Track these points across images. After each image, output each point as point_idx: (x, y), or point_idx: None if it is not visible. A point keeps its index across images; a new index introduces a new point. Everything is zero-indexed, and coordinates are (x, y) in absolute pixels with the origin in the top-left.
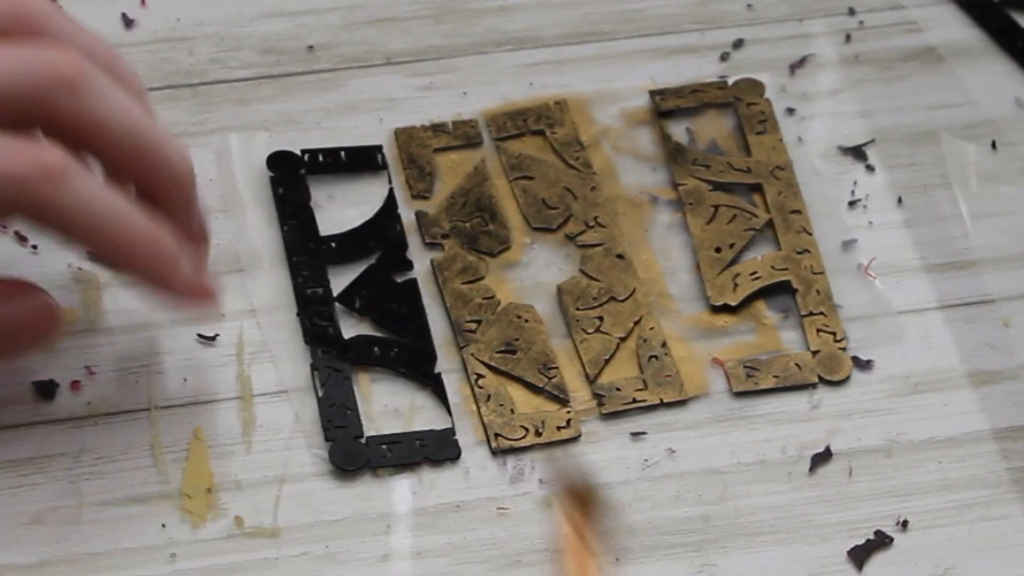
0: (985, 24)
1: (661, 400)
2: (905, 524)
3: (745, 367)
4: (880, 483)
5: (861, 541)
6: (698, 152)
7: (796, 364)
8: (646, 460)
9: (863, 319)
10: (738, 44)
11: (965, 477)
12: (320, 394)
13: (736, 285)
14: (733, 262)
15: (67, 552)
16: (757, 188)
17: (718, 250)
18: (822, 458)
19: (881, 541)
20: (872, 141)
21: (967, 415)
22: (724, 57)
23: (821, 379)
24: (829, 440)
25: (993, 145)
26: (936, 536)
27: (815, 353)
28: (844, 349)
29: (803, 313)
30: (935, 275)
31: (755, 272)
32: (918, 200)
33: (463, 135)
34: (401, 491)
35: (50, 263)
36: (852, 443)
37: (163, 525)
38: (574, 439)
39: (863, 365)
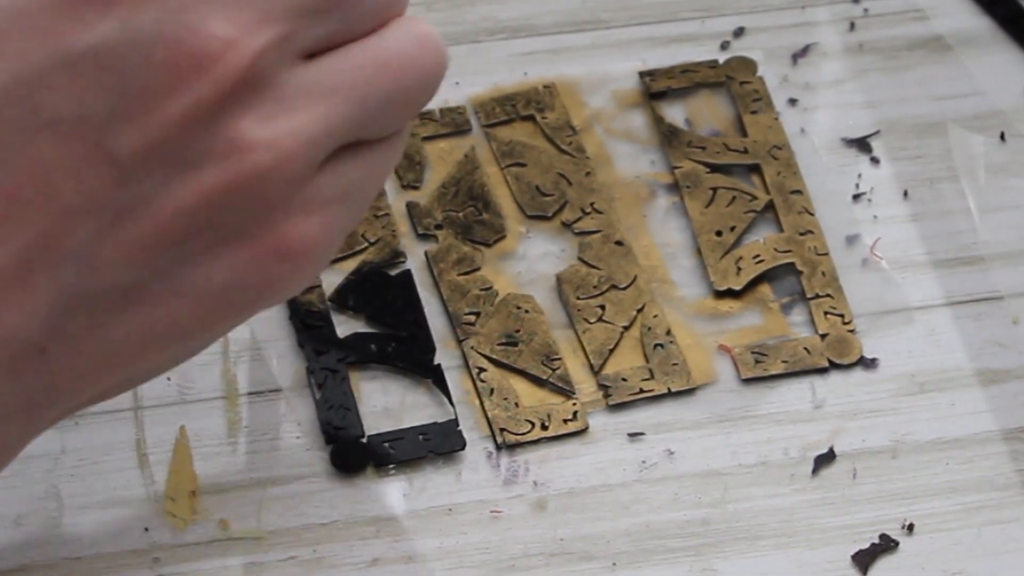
0: (993, 12)
1: (669, 389)
2: (911, 528)
3: (753, 353)
4: (885, 485)
5: (866, 545)
6: (693, 134)
7: (805, 348)
8: (644, 461)
9: (869, 315)
10: (739, 32)
11: (973, 479)
12: (317, 396)
13: (739, 269)
14: (735, 245)
15: (48, 556)
16: (755, 169)
17: (719, 233)
18: (825, 459)
19: (886, 545)
20: (877, 133)
21: (975, 415)
22: (724, 46)
23: (831, 363)
24: (832, 441)
25: (1002, 137)
26: (943, 540)
27: (824, 336)
28: (853, 331)
29: (809, 296)
30: (942, 271)
31: (758, 255)
32: (924, 193)
33: (451, 122)
34: (391, 493)
35: None
36: (856, 444)
37: (146, 528)
38: (581, 431)
39: (868, 364)
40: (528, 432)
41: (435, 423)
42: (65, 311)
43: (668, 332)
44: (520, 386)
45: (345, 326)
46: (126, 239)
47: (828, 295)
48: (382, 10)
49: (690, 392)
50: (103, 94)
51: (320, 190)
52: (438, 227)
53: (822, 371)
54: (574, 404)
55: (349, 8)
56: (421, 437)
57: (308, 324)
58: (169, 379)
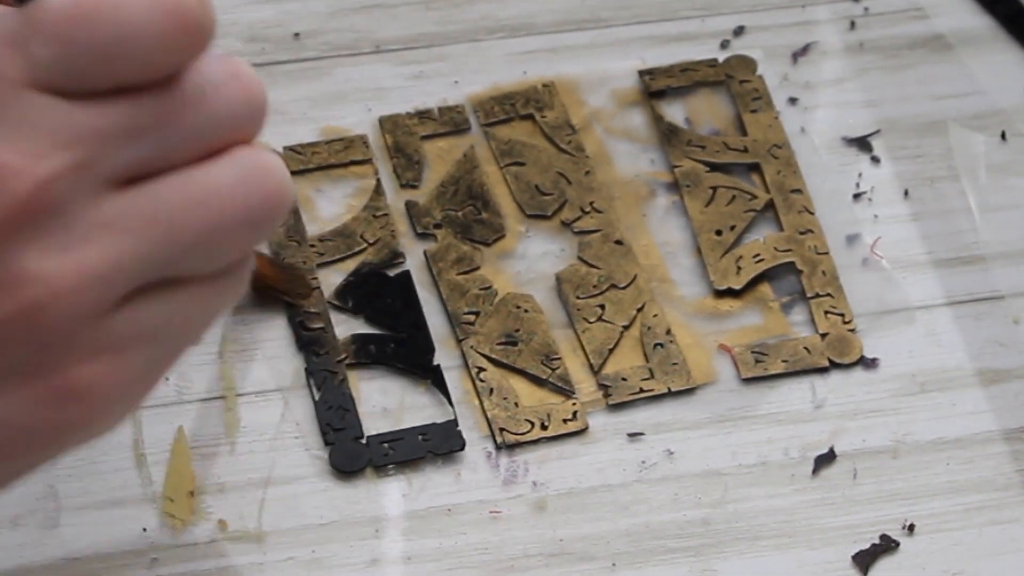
0: (994, 11)
1: (669, 389)
2: (912, 528)
3: (753, 352)
4: (886, 485)
5: (866, 546)
6: (692, 133)
7: (805, 348)
8: (643, 462)
9: (869, 315)
10: (739, 31)
11: (974, 479)
12: (316, 397)
13: (739, 268)
14: (735, 245)
15: (45, 557)
16: (755, 168)
17: (719, 233)
18: (826, 459)
19: (887, 546)
20: (877, 132)
21: (976, 415)
22: (724, 45)
23: (831, 362)
24: (833, 441)
25: (1003, 136)
26: (944, 540)
27: (824, 336)
28: (853, 331)
29: (809, 295)
30: (943, 270)
31: (758, 254)
32: (925, 193)
33: (450, 121)
34: (390, 494)
35: None
36: (857, 444)
37: (144, 529)
38: (581, 431)
39: (869, 363)
40: (528, 432)
41: (434, 424)
42: None
43: (668, 331)
44: (520, 386)
45: (344, 327)
46: None
47: (828, 294)
48: (212, 135)
49: (690, 392)
50: None
51: (116, 330)
52: (437, 226)
53: (822, 371)
54: (574, 404)
55: (165, 132)
56: (420, 438)
57: (307, 325)
58: (168, 379)
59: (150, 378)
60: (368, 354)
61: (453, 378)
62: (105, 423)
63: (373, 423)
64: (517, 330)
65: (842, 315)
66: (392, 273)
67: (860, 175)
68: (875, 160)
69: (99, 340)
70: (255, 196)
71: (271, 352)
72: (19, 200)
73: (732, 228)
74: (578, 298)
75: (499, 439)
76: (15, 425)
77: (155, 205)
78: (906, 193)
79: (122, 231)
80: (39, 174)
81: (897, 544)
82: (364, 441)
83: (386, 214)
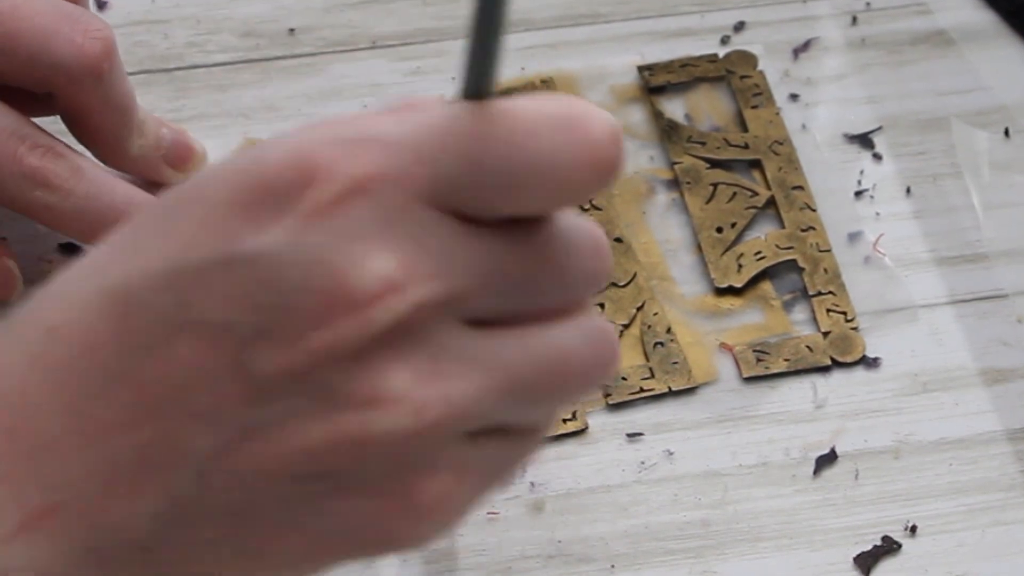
0: (997, 6)
1: (670, 388)
2: (914, 529)
3: (755, 351)
4: (888, 486)
5: (868, 547)
6: (693, 129)
7: (807, 346)
8: (643, 462)
9: (872, 313)
10: (739, 27)
11: (977, 480)
12: None
13: (740, 266)
14: (736, 242)
15: None
16: (756, 164)
17: (719, 230)
18: (827, 460)
19: (889, 547)
20: (879, 128)
21: (979, 415)
22: (724, 40)
23: (834, 361)
24: (834, 441)
25: (1006, 132)
26: (946, 542)
27: (826, 334)
28: (856, 329)
29: (811, 293)
30: (945, 269)
31: (759, 252)
32: (928, 190)
33: None
34: None
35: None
36: (858, 444)
37: None
38: (581, 431)
39: (870, 363)
40: None
41: None
42: (173, 518)
43: (668, 330)
44: None
45: None
46: (246, 461)
47: (831, 292)
48: (568, 297)
49: (691, 391)
50: (253, 307)
51: (459, 457)
52: None
53: (824, 369)
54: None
55: (535, 293)
56: None
57: None
58: None
59: (467, 508)
60: None
61: None
62: (425, 540)
63: None
64: None
65: (844, 313)
66: None
67: (862, 172)
68: (877, 157)
69: (445, 462)
70: (598, 364)
71: None
72: (393, 317)
73: (733, 225)
74: None
75: None
76: (351, 531)
77: (520, 355)
78: (908, 190)
79: (487, 371)
80: (417, 297)
81: (899, 545)
82: None
83: None
